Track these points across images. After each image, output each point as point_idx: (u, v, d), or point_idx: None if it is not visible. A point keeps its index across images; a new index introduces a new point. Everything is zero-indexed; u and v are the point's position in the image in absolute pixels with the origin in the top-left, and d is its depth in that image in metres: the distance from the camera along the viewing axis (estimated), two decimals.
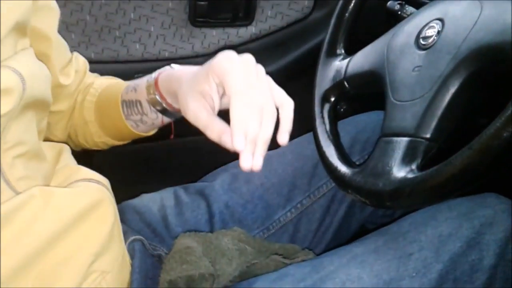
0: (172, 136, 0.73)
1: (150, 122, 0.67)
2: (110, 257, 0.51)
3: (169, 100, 0.63)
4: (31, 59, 0.51)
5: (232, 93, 0.49)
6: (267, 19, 1.11)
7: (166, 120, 0.67)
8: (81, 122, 0.70)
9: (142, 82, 0.66)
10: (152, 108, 0.64)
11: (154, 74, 0.65)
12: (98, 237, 0.49)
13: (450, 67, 0.53)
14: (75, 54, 0.71)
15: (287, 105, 0.53)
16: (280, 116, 0.53)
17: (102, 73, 1.06)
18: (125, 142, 0.73)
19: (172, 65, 0.65)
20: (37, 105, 0.51)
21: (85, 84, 0.72)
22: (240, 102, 0.48)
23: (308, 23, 1.14)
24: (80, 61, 0.72)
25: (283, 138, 0.51)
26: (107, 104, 0.68)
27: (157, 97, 0.63)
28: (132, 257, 0.58)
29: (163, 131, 0.72)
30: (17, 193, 0.46)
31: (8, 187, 0.45)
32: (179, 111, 0.63)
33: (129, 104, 0.66)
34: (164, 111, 0.65)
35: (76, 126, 0.71)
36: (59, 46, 0.64)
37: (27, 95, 0.46)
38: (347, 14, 0.76)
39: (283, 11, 1.11)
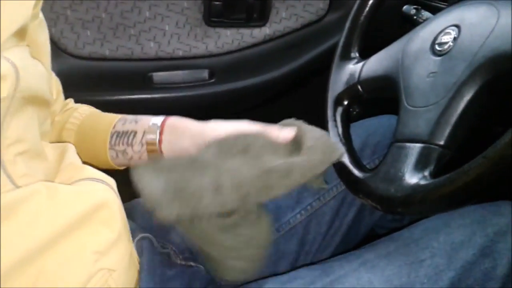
0: None
1: (130, 155, 0.66)
2: (117, 255, 0.51)
3: (163, 143, 0.63)
4: (26, 54, 0.52)
5: None
6: (282, 21, 1.12)
7: (144, 158, 0.67)
8: (54, 141, 0.69)
9: (143, 118, 0.66)
10: (142, 139, 0.65)
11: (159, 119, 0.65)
12: (103, 237, 0.50)
13: (466, 74, 0.53)
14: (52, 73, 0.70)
15: None
16: None
17: (117, 70, 1.08)
18: None
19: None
20: (36, 101, 0.52)
21: (64, 104, 0.72)
22: None
23: (323, 26, 1.14)
24: (56, 80, 0.72)
25: None
26: (95, 129, 0.68)
27: (157, 134, 0.64)
28: (140, 255, 0.58)
29: None
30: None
31: (11, 182, 0.46)
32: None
33: (121, 135, 0.66)
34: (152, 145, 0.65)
35: None
36: (50, 64, 0.64)
37: (22, 87, 0.47)
38: (362, 18, 0.76)
39: (297, 13, 1.12)
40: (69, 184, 0.51)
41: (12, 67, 0.46)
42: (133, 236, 0.57)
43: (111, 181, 0.54)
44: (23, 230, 0.44)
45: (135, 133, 0.65)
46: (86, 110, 0.71)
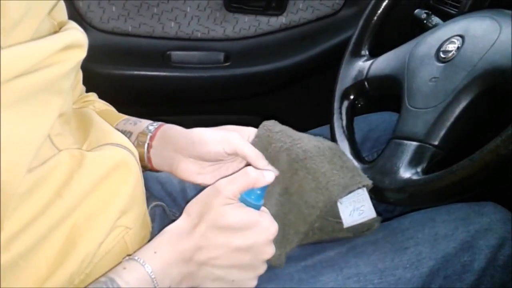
0: None
1: None
2: (133, 215, 0.56)
3: (152, 149, 0.66)
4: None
5: None
6: (298, 11, 1.15)
7: None
8: None
9: (144, 121, 0.69)
10: (135, 142, 0.67)
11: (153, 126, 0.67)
12: (123, 195, 0.54)
13: (464, 82, 0.57)
14: None
15: None
16: None
17: (138, 46, 1.12)
18: None
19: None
20: (77, 70, 0.56)
21: (85, 95, 0.75)
22: None
23: (337, 19, 1.17)
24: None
25: None
26: None
27: (148, 138, 0.66)
28: (152, 220, 0.63)
29: None
30: (54, 144, 0.51)
31: (48, 138, 0.50)
32: (148, 165, 0.67)
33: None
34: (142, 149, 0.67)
35: None
36: None
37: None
38: (375, 18, 0.80)
39: (314, 5, 1.15)
40: (97, 147, 0.56)
41: (83, 34, 0.50)
42: (148, 203, 0.62)
43: (133, 148, 0.58)
44: (61, 191, 0.49)
45: (131, 134, 0.68)
46: (102, 106, 0.74)
